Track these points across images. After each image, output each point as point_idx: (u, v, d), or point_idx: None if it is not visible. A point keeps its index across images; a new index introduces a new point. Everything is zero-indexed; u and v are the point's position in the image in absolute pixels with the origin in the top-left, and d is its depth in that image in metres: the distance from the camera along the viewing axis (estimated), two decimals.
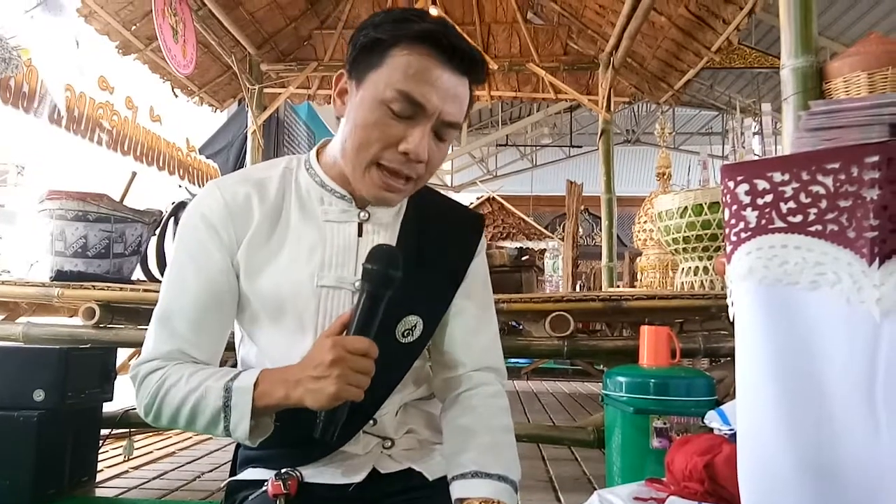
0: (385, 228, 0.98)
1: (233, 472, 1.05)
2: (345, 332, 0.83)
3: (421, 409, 1.05)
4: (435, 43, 0.85)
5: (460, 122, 0.91)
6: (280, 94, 5.74)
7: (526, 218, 10.05)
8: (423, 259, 0.97)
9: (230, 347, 1.01)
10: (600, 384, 1.97)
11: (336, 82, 0.94)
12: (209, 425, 0.86)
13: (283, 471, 0.94)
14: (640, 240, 4.38)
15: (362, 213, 0.97)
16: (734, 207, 1.18)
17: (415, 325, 0.97)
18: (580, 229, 7.78)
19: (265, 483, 0.93)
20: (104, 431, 2.53)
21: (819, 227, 1.09)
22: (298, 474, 0.94)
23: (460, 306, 1.02)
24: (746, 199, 1.16)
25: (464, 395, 0.99)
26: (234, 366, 1.04)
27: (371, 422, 0.98)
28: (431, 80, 0.85)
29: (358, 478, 0.95)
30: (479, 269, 1.06)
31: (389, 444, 0.99)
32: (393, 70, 0.85)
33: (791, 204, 1.12)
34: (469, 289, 1.03)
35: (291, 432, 0.91)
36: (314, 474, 0.95)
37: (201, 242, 0.92)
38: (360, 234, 0.96)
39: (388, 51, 0.85)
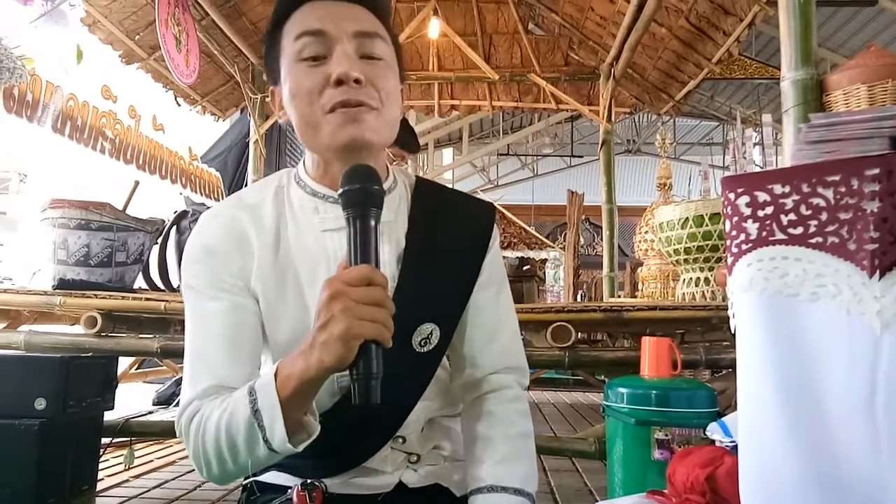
0: (390, 228, 0.94)
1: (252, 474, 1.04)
2: None
3: (445, 425, 1.03)
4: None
5: (376, 31, 0.89)
6: None
7: (527, 227, 10.03)
8: (435, 261, 0.94)
9: None
10: (601, 395, 1.96)
11: (273, 101, 0.95)
12: (249, 443, 0.77)
13: (308, 481, 0.91)
14: (641, 250, 4.38)
15: None
16: (735, 219, 1.18)
17: (431, 333, 0.93)
18: (581, 239, 7.79)
19: (288, 490, 0.91)
20: (105, 440, 2.53)
21: (819, 239, 1.10)
22: (323, 486, 0.91)
23: (477, 306, 0.98)
24: (747, 211, 1.17)
25: (482, 398, 0.97)
26: None
27: (401, 440, 0.96)
28: (318, 14, 0.88)
29: (384, 490, 0.93)
30: (494, 263, 1.01)
31: (415, 458, 0.97)
32: (287, 39, 0.89)
33: (791, 216, 1.12)
34: (486, 286, 0.99)
35: (317, 446, 0.83)
36: (339, 487, 0.93)
37: (211, 269, 0.88)
38: None
39: (279, 33, 0.90)
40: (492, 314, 1.00)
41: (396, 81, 0.92)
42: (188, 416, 0.82)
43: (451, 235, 0.98)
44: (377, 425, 0.81)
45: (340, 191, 0.75)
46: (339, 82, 0.84)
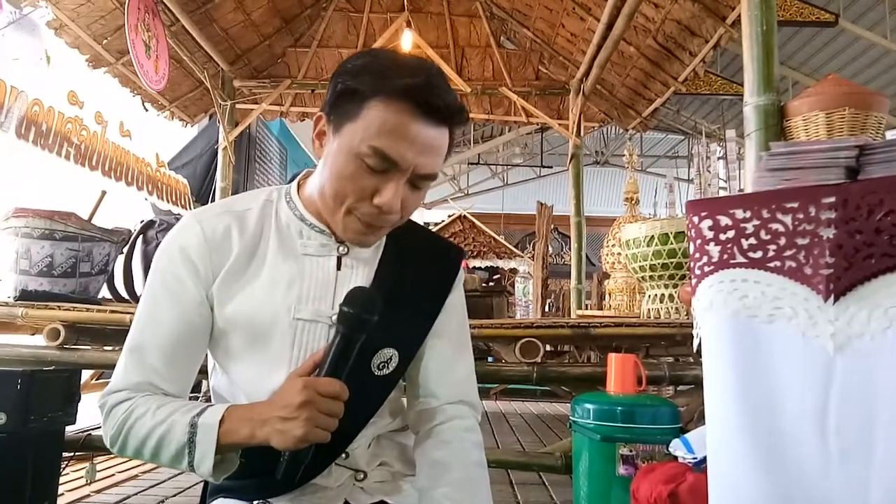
0: (364, 263, 0.99)
1: (203, 501, 1.05)
2: (316, 372, 0.83)
3: (394, 440, 1.05)
4: (413, 99, 0.83)
5: (436, 172, 0.90)
6: (252, 110, 5.72)
7: (496, 237, 10.08)
8: (402, 293, 0.98)
9: (202, 371, 1.01)
10: (568, 405, 1.99)
11: (315, 124, 0.93)
12: (173, 460, 0.86)
13: (255, 503, 0.93)
14: (608, 262, 4.44)
15: (341, 248, 0.97)
16: (698, 242, 1.22)
17: (390, 358, 0.97)
18: (550, 248, 7.85)
19: None
20: (66, 454, 2.47)
21: (778, 263, 1.14)
22: None
23: (437, 339, 1.03)
24: (710, 235, 1.21)
25: (438, 428, 1.00)
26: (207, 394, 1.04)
27: (343, 455, 0.97)
28: (407, 135, 0.83)
29: None
30: (456, 302, 1.06)
31: (362, 476, 0.99)
32: (369, 124, 0.83)
33: (752, 240, 1.16)
34: (446, 322, 1.04)
35: (259, 465, 0.91)
36: None
37: (178, 276, 0.91)
38: (338, 268, 0.96)
39: (365, 102, 0.84)
40: (450, 347, 1.04)
41: (425, 194, 0.96)
42: (115, 401, 0.89)
43: (419, 272, 1.02)
44: (324, 445, 0.83)
45: (341, 308, 0.82)
46: (378, 207, 0.87)
